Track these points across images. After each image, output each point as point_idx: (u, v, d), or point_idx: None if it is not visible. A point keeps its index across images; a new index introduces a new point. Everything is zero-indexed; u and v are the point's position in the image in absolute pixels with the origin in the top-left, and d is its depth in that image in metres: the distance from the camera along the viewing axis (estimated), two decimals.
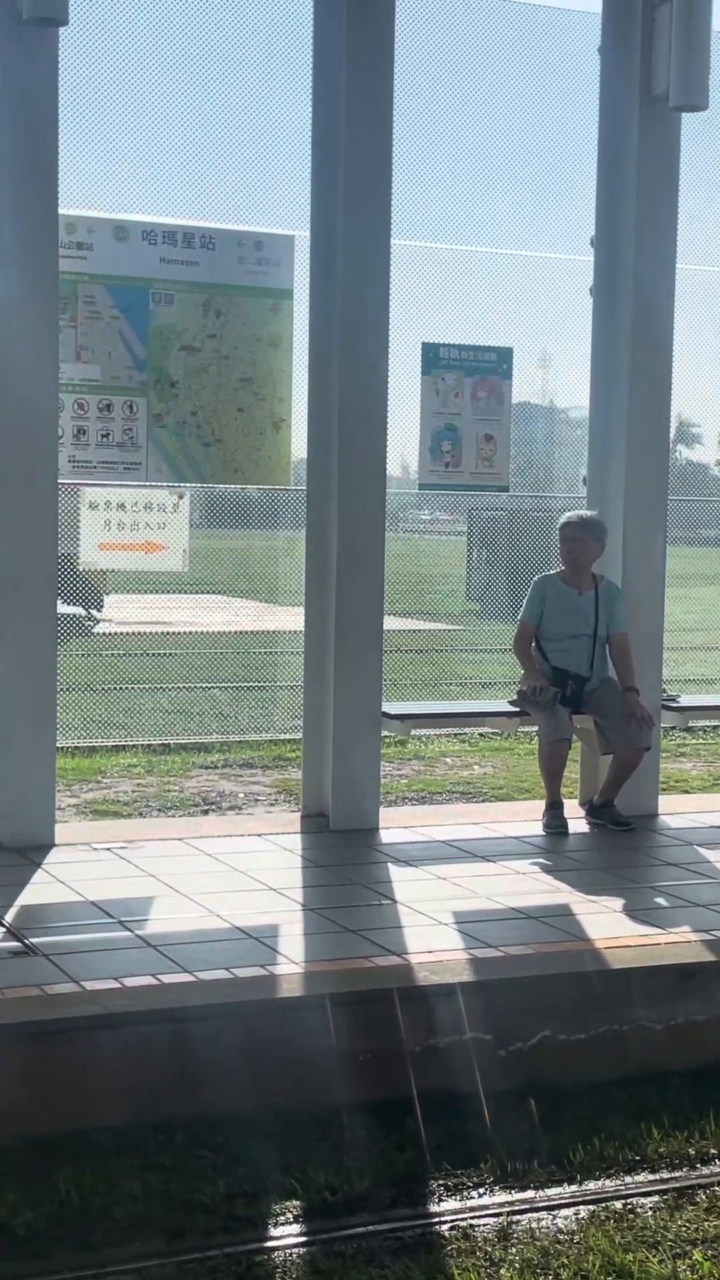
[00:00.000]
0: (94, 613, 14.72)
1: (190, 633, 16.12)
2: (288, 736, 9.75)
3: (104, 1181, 4.76)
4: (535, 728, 8.65)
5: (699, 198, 8.71)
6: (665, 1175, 5.00)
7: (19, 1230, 4.48)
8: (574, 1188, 4.89)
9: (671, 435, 9.10)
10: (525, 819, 8.54)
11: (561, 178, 8.84)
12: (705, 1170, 5.05)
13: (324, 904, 6.77)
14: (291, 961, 5.91)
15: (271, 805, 9.80)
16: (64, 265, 7.66)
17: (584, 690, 8.44)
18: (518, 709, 8.64)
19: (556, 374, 9.28)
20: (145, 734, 12.32)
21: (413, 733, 10.84)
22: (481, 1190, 4.86)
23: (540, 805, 8.53)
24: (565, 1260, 4.41)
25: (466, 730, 11.99)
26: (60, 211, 7.57)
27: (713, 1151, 5.19)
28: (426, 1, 8.26)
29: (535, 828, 8.37)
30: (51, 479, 7.69)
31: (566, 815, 8.43)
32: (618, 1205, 4.77)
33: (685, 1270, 4.37)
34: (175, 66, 8.50)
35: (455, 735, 12.09)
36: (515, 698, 8.54)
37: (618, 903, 6.93)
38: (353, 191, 8.07)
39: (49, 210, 7.51)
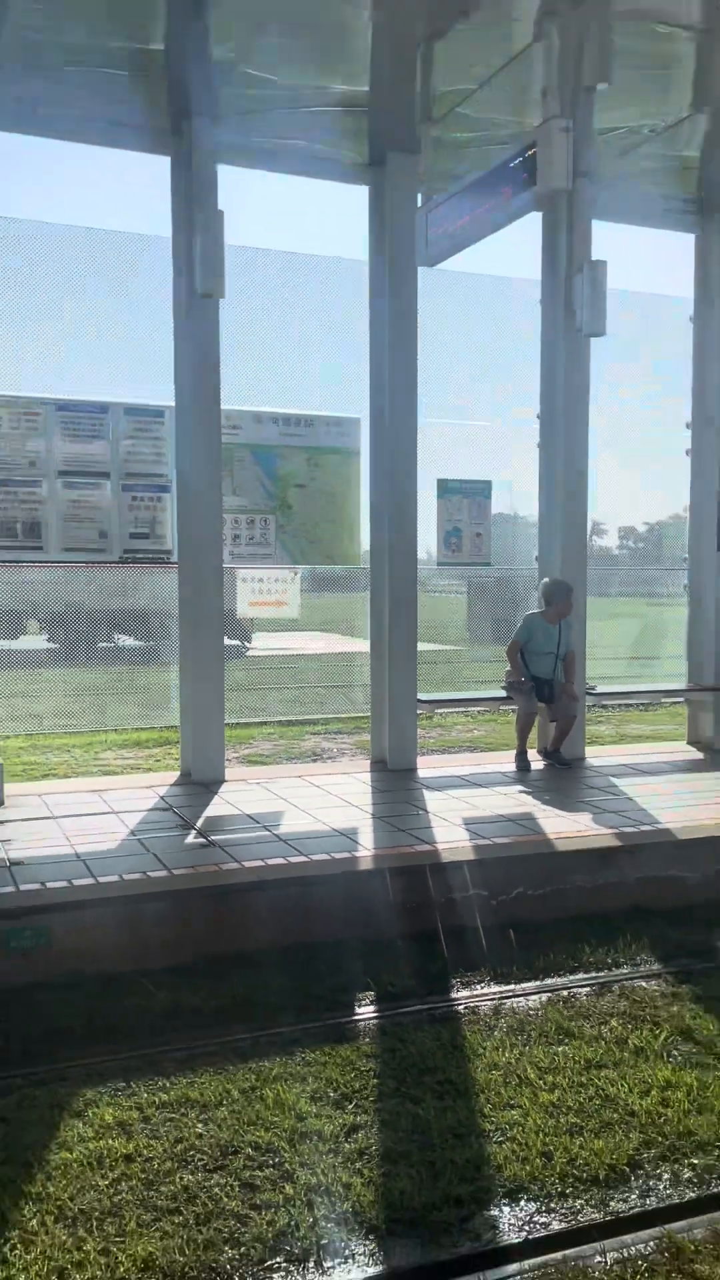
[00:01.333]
0: (245, 643, 14.76)
1: (303, 654, 16.16)
2: (361, 714, 9.78)
3: (258, 981, 4.83)
4: (514, 707, 8.62)
5: (603, 384, 8.75)
6: (593, 975, 5.02)
7: (207, 1012, 4.55)
8: (538, 983, 4.92)
9: (589, 530, 9.07)
10: (505, 762, 8.50)
11: (519, 377, 8.84)
12: (617, 972, 5.06)
13: (384, 814, 6.80)
14: (365, 848, 5.95)
15: (353, 756, 9.83)
16: (225, 439, 7.74)
17: (553, 688, 8.40)
18: (506, 695, 8.62)
19: (518, 496, 9.27)
20: (277, 714, 12.40)
21: (436, 711, 10.90)
22: (481, 985, 4.90)
23: (513, 753, 8.49)
24: (533, 1024, 4.45)
25: (470, 709, 12.04)
26: (222, 407, 7.66)
27: (621, 960, 5.20)
28: (437, 279, 8.30)
29: (511, 766, 8.35)
30: (219, 565, 7.75)
31: (530, 759, 8.40)
32: (565, 993, 4.80)
33: (606, 1031, 4.40)
34: (291, 318, 8.59)
35: (462, 712, 12.13)
36: (506, 686, 8.53)
37: (563, 811, 6.93)
38: (394, 391, 8.12)
39: (214, 409, 7.58)
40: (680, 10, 6.93)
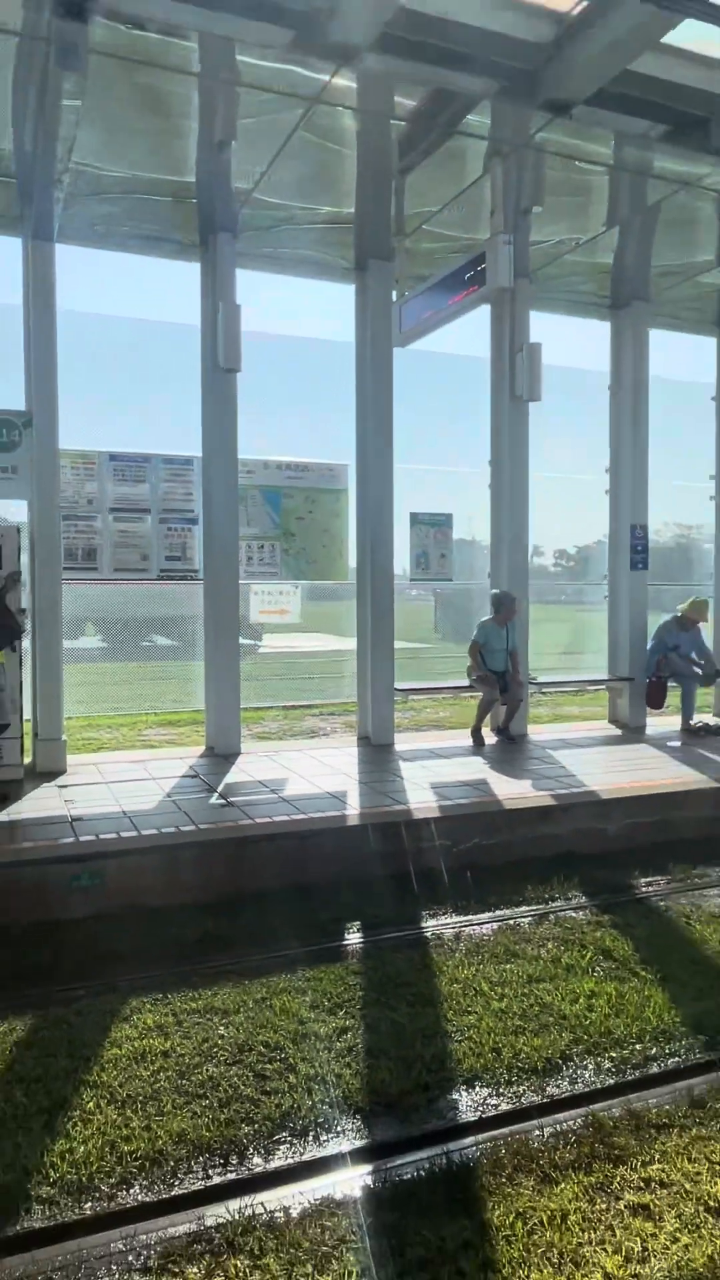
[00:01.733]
0: (258, 643, 14.68)
1: (303, 651, 16.13)
2: (350, 700, 9.78)
3: (268, 912, 4.81)
4: (475, 694, 8.54)
5: (541, 438, 8.73)
6: (534, 907, 5.01)
7: (222, 935, 4.53)
8: (490, 914, 4.91)
9: (529, 552, 9.07)
10: (464, 738, 8.49)
11: (473, 432, 8.82)
12: (553, 905, 5.05)
13: (368, 780, 6.78)
14: (353, 807, 5.93)
15: (343, 734, 9.81)
16: (240, 481, 7.71)
17: (505, 678, 8.35)
18: (468, 685, 8.55)
19: (474, 525, 9.26)
20: (282, 700, 12.36)
21: (409, 697, 10.85)
22: (444, 917, 4.88)
23: (471, 730, 8.42)
24: (486, 947, 4.44)
25: (437, 695, 11.99)
26: (239, 456, 7.62)
27: (556, 896, 5.19)
28: (408, 356, 8.30)
29: (469, 742, 8.32)
30: (236, 581, 7.71)
31: (484, 736, 8.36)
32: (511, 922, 4.79)
33: (543, 952, 4.38)
34: (294, 386, 8.58)
35: (431, 697, 12.10)
36: (475, 679, 8.40)
37: (510, 777, 6.91)
38: (373, 442, 8.11)
39: (232, 458, 7.56)
40: (594, 151, 6.98)
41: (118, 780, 6.67)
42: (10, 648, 6.57)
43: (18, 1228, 2.60)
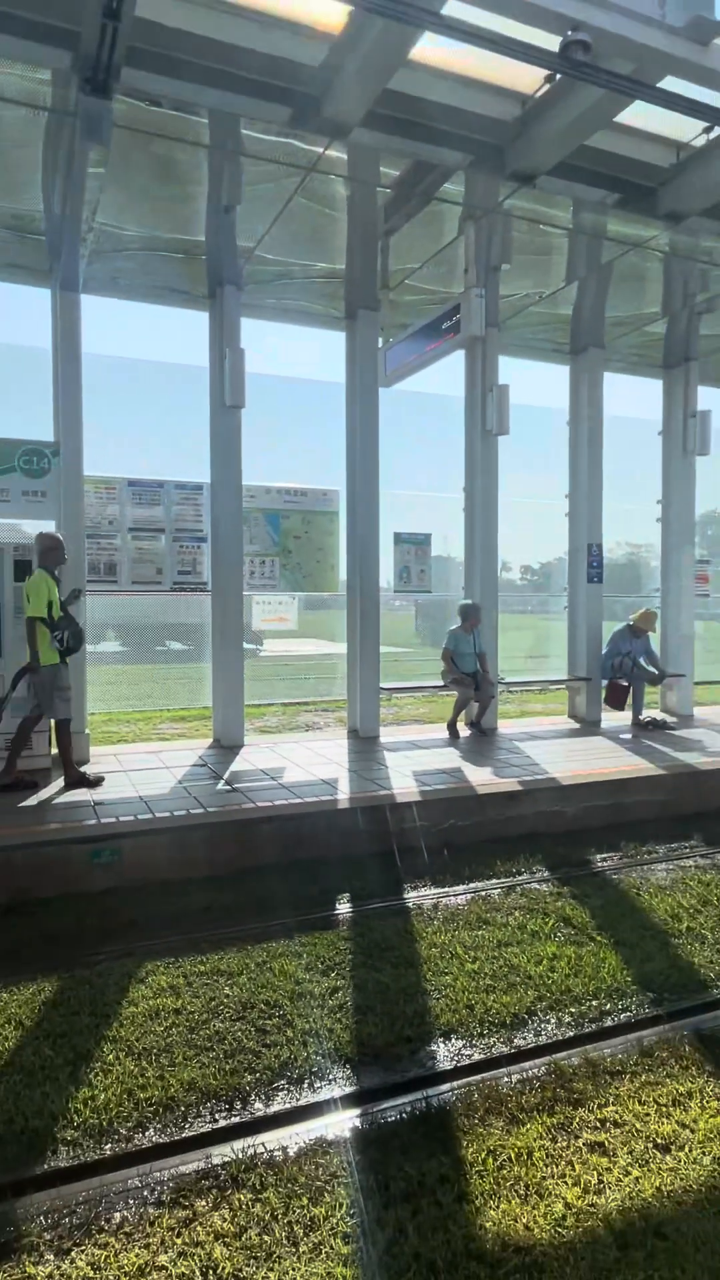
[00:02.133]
0: (259, 648, 14.59)
1: (299, 654, 16.07)
2: (340, 697, 9.74)
3: (268, 885, 4.78)
4: (453, 693, 8.50)
5: (509, 467, 8.74)
6: (502, 880, 5.00)
7: (227, 906, 4.50)
8: (464, 886, 4.89)
9: (499, 567, 9.09)
10: (441, 731, 8.49)
11: (450, 462, 8.83)
12: (520, 878, 5.04)
13: (357, 769, 6.75)
14: (343, 792, 5.90)
15: (335, 728, 9.79)
16: (244, 505, 7.67)
17: (476, 679, 8.35)
18: (444, 685, 8.53)
19: (450, 543, 9.26)
20: (281, 698, 12.30)
21: (393, 695, 10.82)
22: (424, 889, 4.85)
23: (446, 725, 8.42)
24: (461, 916, 4.42)
25: (417, 693, 11.96)
26: (243, 483, 7.61)
27: (522, 870, 5.17)
28: (392, 395, 8.31)
29: (445, 735, 8.30)
30: (240, 592, 7.67)
31: (458, 730, 8.35)
32: (483, 894, 4.77)
33: (511, 920, 4.38)
34: (291, 421, 8.58)
35: (412, 695, 12.08)
36: (450, 681, 8.35)
37: (482, 765, 6.90)
38: (361, 470, 8.09)
39: (237, 486, 7.53)
40: (556, 216, 7.02)
41: (135, 769, 6.63)
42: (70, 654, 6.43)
43: (46, 1166, 2.58)
